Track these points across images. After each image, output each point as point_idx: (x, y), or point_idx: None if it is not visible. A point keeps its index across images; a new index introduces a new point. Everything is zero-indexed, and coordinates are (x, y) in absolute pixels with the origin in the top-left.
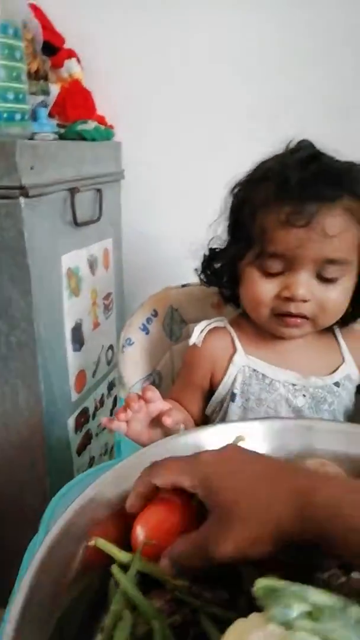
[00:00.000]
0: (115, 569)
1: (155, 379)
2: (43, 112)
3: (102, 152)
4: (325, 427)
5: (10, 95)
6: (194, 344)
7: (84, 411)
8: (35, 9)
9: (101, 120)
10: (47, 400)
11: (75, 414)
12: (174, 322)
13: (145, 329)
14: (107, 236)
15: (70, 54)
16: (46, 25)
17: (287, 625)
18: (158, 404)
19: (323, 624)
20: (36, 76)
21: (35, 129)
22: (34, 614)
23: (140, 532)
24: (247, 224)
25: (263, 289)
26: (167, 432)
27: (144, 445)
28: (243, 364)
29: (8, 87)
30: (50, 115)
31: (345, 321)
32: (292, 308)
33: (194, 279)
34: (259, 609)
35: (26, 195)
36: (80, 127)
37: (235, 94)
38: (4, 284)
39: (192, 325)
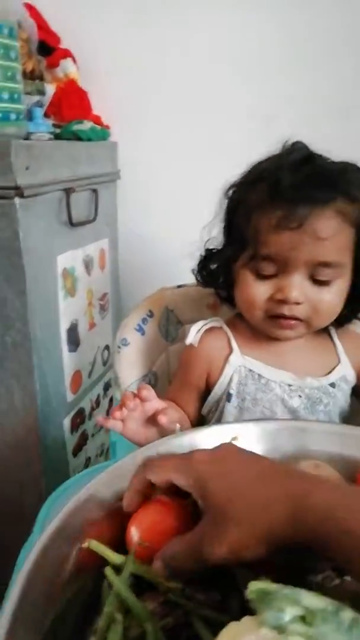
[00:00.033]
0: (108, 571)
1: (151, 380)
2: (38, 112)
3: (97, 152)
4: (320, 428)
5: (5, 95)
6: (190, 344)
7: (80, 412)
8: (31, 8)
9: (97, 120)
10: (42, 401)
11: (71, 414)
12: (169, 323)
13: (140, 330)
14: (103, 236)
15: (66, 53)
16: (41, 24)
17: (280, 629)
18: (154, 402)
19: (315, 628)
20: (31, 76)
21: (30, 129)
22: (27, 616)
23: (134, 534)
24: (241, 226)
25: (256, 291)
26: (163, 431)
27: (139, 444)
28: (239, 364)
29: (3, 87)
30: (46, 115)
31: (341, 322)
32: (286, 310)
33: (191, 279)
34: (252, 611)
35: (21, 196)
36: (75, 127)
37: (234, 94)
38: None
39: (187, 326)
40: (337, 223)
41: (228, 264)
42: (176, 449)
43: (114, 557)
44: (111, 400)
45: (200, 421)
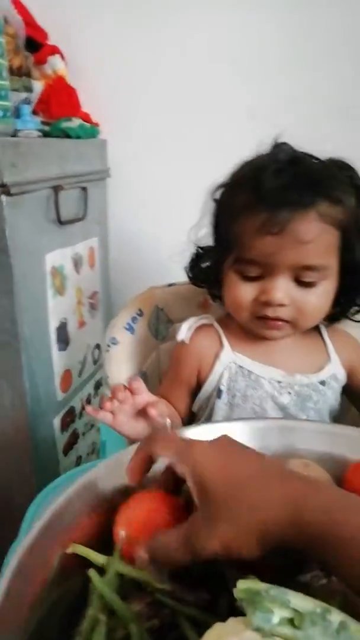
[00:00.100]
0: (92, 572)
1: (141, 379)
2: (26, 109)
3: (87, 150)
4: (309, 427)
5: None
6: (182, 341)
7: (70, 411)
8: (17, 4)
9: (86, 117)
10: (32, 400)
11: (61, 413)
12: (159, 322)
13: (130, 329)
14: (93, 235)
15: (54, 50)
16: (29, 20)
17: (267, 631)
18: (144, 395)
19: (303, 630)
20: (19, 72)
21: (18, 126)
22: (11, 617)
23: (121, 529)
24: (225, 229)
25: (242, 293)
26: (153, 425)
27: (128, 437)
28: (230, 360)
29: None
30: (35, 112)
31: (331, 320)
32: (270, 312)
33: (182, 278)
34: (240, 612)
35: (8, 194)
36: (64, 124)
37: (224, 92)
38: None
39: (178, 325)
40: (319, 226)
41: (216, 264)
42: None
43: (99, 558)
44: (102, 399)
45: (190, 418)
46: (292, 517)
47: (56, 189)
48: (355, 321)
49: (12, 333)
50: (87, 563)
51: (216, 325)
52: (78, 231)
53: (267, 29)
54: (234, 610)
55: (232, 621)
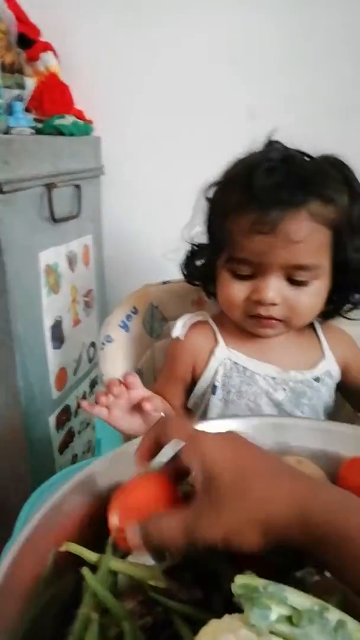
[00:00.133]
0: (85, 570)
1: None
2: (19, 106)
3: (80, 148)
4: (303, 424)
5: None
6: (177, 337)
7: (66, 409)
8: (9, 0)
9: (79, 114)
10: (26, 399)
11: (57, 412)
12: (154, 320)
13: (125, 327)
14: (87, 232)
15: (46, 46)
16: (21, 17)
17: (265, 628)
18: (139, 390)
19: (301, 628)
20: (11, 69)
21: (10, 123)
22: (4, 616)
23: (114, 516)
24: (217, 228)
25: (234, 291)
26: (147, 420)
27: (123, 432)
28: (224, 356)
29: None
30: (27, 109)
31: (325, 317)
32: (262, 311)
33: (178, 275)
34: (235, 610)
35: (0, 191)
36: (57, 121)
37: (222, 91)
38: None
39: (172, 322)
40: (310, 226)
41: (210, 262)
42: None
43: (92, 556)
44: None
45: (185, 415)
46: (299, 515)
47: (49, 187)
48: (349, 319)
49: (6, 331)
50: (81, 561)
51: (211, 322)
52: (72, 229)
53: (267, 29)
54: (228, 608)
55: (228, 618)
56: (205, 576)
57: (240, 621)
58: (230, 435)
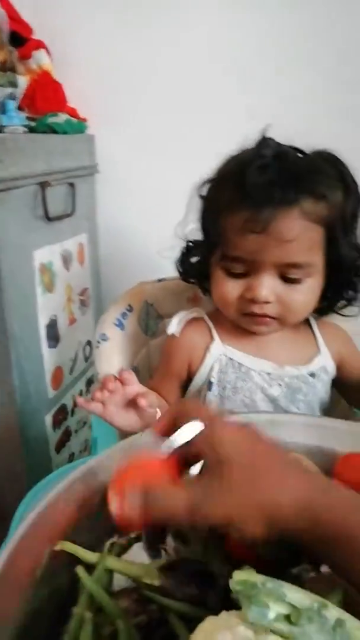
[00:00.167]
0: (79, 570)
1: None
2: (11, 105)
3: (74, 146)
4: (298, 421)
5: None
6: (172, 334)
7: (62, 408)
8: None
9: (73, 112)
10: (22, 398)
11: (53, 411)
12: (149, 317)
13: (120, 325)
14: (82, 231)
15: (39, 44)
16: (13, 15)
17: (264, 626)
18: (135, 386)
19: (300, 627)
20: (3, 67)
21: (3, 122)
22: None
23: (113, 501)
24: (211, 226)
25: (228, 289)
26: (143, 416)
27: (119, 428)
28: (220, 352)
29: None
30: (20, 108)
31: (320, 313)
32: (256, 309)
33: (174, 273)
34: (230, 606)
35: None
36: (51, 120)
37: (217, 89)
38: None
39: (168, 320)
40: (302, 224)
41: (204, 260)
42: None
43: (87, 555)
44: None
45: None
46: (306, 511)
47: (43, 185)
48: (343, 315)
49: (1, 330)
50: (77, 560)
51: (206, 318)
52: (66, 227)
53: (265, 28)
54: (224, 604)
55: (225, 614)
56: (201, 573)
57: (237, 618)
58: (249, 427)
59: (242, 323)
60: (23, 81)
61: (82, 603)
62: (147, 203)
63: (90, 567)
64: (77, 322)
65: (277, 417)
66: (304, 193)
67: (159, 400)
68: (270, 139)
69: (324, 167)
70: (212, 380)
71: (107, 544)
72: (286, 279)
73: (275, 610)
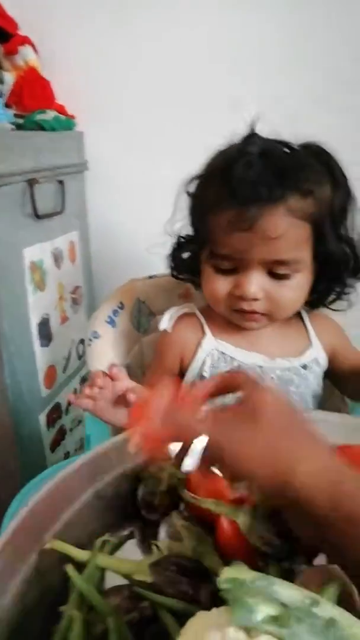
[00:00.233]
0: (69, 568)
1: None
2: None
3: (62, 143)
4: None
5: None
6: (164, 330)
7: (56, 407)
8: None
9: (61, 109)
10: (14, 397)
11: (47, 410)
12: (141, 314)
13: (111, 322)
14: (73, 229)
15: (25, 40)
16: None
17: (250, 629)
18: (124, 381)
19: (288, 628)
20: None
21: None
22: None
23: (138, 422)
24: (199, 223)
25: (217, 286)
26: None
27: (110, 423)
28: (212, 347)
29: None
30: (7, 105)
31: (311, 306)
32: (245, 306)
33: (166, 270)
34: (222, 602)
35: None
36: (38, 117)
37: (208, 86)
38: None
39: (160, 317)
40: (289, 221)
41: (195, 256)
42: None
43: (78, 553)
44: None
45: None
46: (331, 487)
47: (31, 183)
48: (333, 309)
49: None
50: (68, 558)
51: (198, 313)
52: (57, 225)
53: (267, 28)
54: (217, 601)
55: (216, 611)
56: (193, 570)
57: (228, 614)
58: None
59: (232, 319)
60: (9, 78)
61: (72, 602)
62: (138, 200)
63: (82, 565)
64: (70, 320)
65: None
66: (290, 189)
67: None
68: (256, 134)
69: (310, 162)
70: (205, 374)
71: (99, 541)
72: (274, 275)
73: (262, 611)
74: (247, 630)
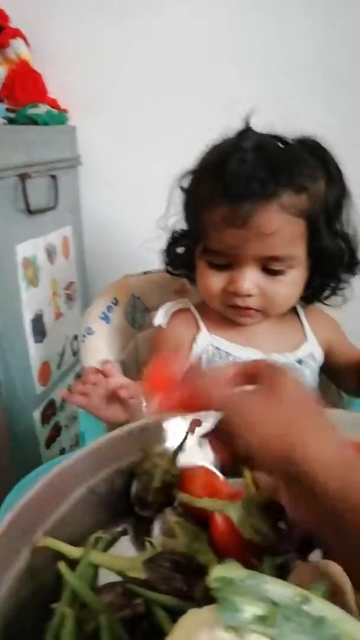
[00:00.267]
0: (61, 565)
1: (120, 367)
2: None
3: (54, 137)
4: None
5: None
6: (159, 326)
7: (51, 403)
8: None
9: (53, 103)
10: (7, 393)
11: (41, 406)
12: (136, 310)
13: (105, 318)
14: (66, 224)
15: (16, 33)
16: None
17: (238, 629)
18: (117, 378)
19: (276, 628)
20: None
21: None
22: None
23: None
24: (193, 219)
25: (212, 282)
26: (127, 408)
27: (103, 420)
28: (207, 343)
29: None
30: None
31: (306, 301)
32: (239, 302)
33: (160, 265)
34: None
35: None
36: (31, 111)
37: (202, 79)
38: None
39: (154, 313)
40: (282, 217)
41: (189, 251)
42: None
43: (71, 550)
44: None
45: None
46: (342, 474)
47: (23, 177)
48: (327, 305)
49: None
50: (61, 555)
51: (193, 309)
52: (50, 221)
53: (268, 28)
54: (209, 598)
55: (207, 609)
56: (187, 566)
57: (218, 613)
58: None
59: (227, 314)
60: (1, 71)
61: (64, 599)
62: (132, 194)
63: (75, 563)
64: (64, 316)
65: None
66: (283, 185)
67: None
68: (250, 129)
69: (305, 156)
70: None
71: (92, 538)
72: (269, 271)
73: (249, 611)
74: (237, 630)
